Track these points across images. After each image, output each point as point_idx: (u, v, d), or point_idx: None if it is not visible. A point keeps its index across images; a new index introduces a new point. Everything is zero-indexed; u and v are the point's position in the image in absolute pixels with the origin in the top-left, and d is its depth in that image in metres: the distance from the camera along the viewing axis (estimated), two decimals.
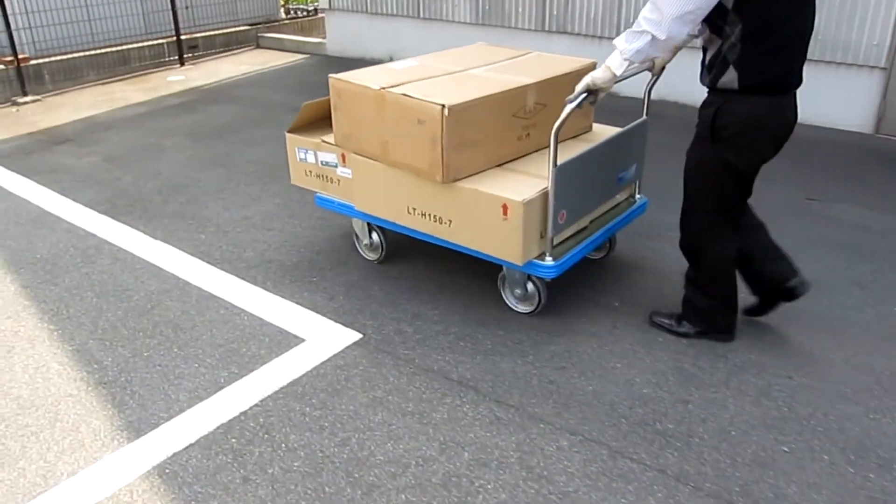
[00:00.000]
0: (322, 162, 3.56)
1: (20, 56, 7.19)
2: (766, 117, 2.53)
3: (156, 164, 5.41)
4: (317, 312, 3.39)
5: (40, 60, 7.52)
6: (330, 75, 3.30)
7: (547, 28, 6.97)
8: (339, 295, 3.54)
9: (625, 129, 3.32)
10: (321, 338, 3.19)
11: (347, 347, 3.11)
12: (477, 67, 3.42)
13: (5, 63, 7.22)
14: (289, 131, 3.68)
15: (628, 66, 2.58)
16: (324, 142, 3.51)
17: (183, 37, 8.55)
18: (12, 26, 7.06)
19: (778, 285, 2.95)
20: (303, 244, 4.09)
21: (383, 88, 3.05)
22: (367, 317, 3.34)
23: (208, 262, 3.93)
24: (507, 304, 3.33)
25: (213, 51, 8.99)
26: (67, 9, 7.79)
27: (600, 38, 6.67)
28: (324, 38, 8.97)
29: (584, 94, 2.67)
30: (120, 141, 5.95)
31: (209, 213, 4.53)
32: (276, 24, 9.88)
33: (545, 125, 3.02)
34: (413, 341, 3.14)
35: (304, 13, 10.34)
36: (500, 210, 2.87)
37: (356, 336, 3.19)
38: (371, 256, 3.78)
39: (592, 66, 3.25)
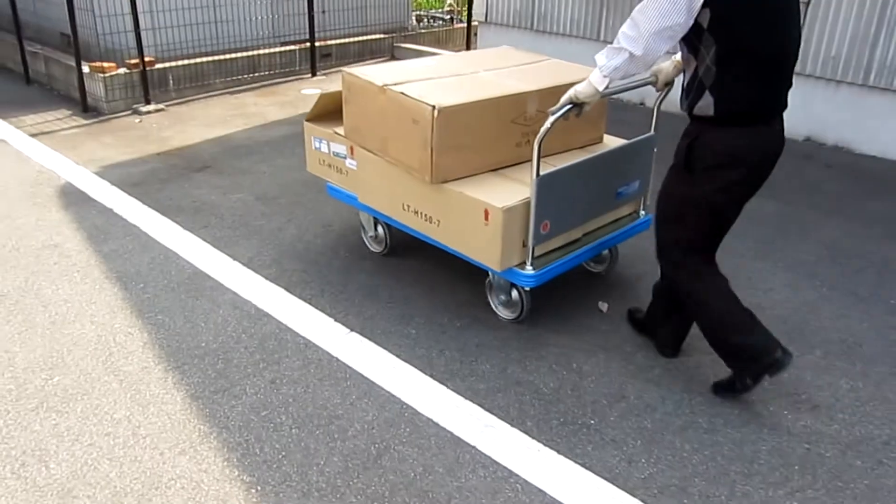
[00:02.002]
0: (334, 152, 3.64)
1: (146, 59, 6.29)
2: (743, 150, 2.43)
3: (322, 208, 4.42)
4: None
5: (166, 64, 6.62)
6: (342, 69, 3.37)
7: None
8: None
9: (626, 143, 3.28)
10: None
11: None
12: (488, 71, 3.38)
13: (130, 66, 6.35)
14: (307, 120, 3.75)
15: (609, 82, 2.52)
16: (336, 133, 3.56)
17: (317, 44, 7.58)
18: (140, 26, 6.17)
19: (754, 356, 2.64)
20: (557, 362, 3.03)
21: (385, 85, 3.07)
22: None
23: (435, 379, 2.89)
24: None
25: (347, 60, 8.02)
26: (191, 9, 6.90)
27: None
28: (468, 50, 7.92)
29: (569, 107, 2.63)
30: (271, 172, 4.98)
31: (419, 296, 3.49)
32: (412, 33, 8.87)
33: (549, 134, 2.86)
34: None
35: (441, 22, 9.31)
36: (482, 215, 2.89)
37: None
38: (376, 248, 3.84)
39: None
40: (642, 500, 2.32)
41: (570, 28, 6.89)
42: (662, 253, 2.76)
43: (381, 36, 8.49)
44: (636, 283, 3.62)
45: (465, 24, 9.09)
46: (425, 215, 3.18)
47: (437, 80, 3.21)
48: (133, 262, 3.75)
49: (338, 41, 8.05)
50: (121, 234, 4.04)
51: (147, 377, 2.86)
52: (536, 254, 3.03)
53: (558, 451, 2.51)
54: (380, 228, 3.73)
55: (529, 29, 7.19)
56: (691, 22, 2.29)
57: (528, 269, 3.00)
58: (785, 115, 2.55)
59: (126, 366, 2.93)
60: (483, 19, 7.56)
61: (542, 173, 2.82)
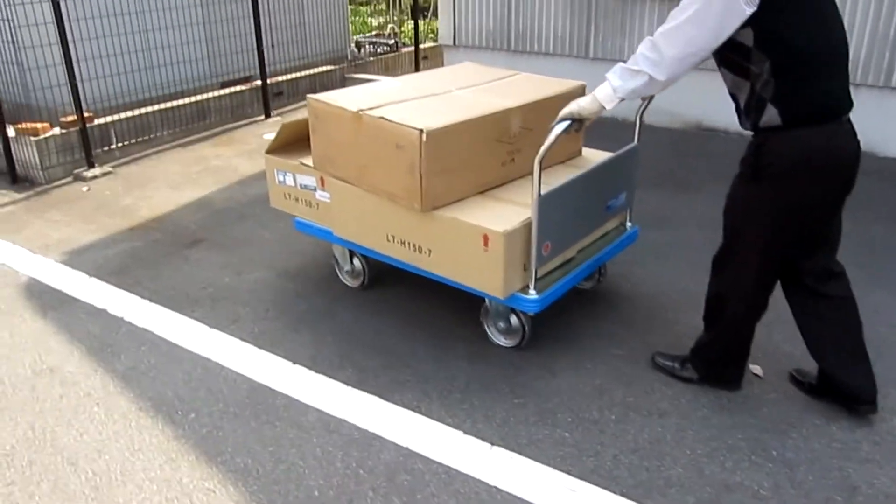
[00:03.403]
0: (301, 185, 3.42)
1: (85, 114, 5.34)
2: (814, 151, 2.27)
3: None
4: None
5: (106, 119, 5.67)
6: (308, 95, 3.15)
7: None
8: None
9: (614, 155, 3.17)
10: None
11: None
12: (461, 89, 3.25)
13: (66, 125, 5.38)
14: (267, 152, 3.52)
15: (619, 102, 2.42)
16: (303, 164, 3.35)
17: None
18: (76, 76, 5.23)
19: (848, 398, 2.58)
20: None
21: (361, 111, 2.91)
22: None
23: (622, 495, 2.29)
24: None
25: (299, 98, 7.26)
26: (124, 55, 5.99)
27: None
28: None
29: (569, 122, 2.52)
30: (278, 240, 4.22)
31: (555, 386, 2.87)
32: (361, 62, 8.19)
33: (531, 150, 2.79)
34: None
35: (385, 47, 8.67)
36: (481, 240, 2.73)
37: None
38: (352, 283, 3.58)
39: (581, 89, 3.20)
40: None
41: (553, 46, 6.45)
42: (725, 267, 2.60)
43: (331, 67, 7.76)
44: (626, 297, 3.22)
45: (413, 48, 8.52)
46: (414, 245, 2.97)
47: (413, 101, 3.05)
48: (164, 381, 2.95)
49: (287, 77, 7.26)
50: (131, 345, 3.21)
51: None
52: (537, 276, 2.85)
53: None
54: (356, 261, 3.50)
55: (506, 49, 6.70)
56: (717, 45, 2.21)
57: (532, 294, 2.83)
58: None
59: None
60: (451, 42, 6.99)
61: (543, 192, 2.67)
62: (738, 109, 2.44)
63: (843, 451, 2.52)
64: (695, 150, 5.60)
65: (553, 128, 2.55)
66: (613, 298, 3.51)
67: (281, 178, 3.52)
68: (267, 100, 6.77)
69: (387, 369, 2.99)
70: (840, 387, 2.60)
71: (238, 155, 5.80)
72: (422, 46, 8.62)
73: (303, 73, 7.43)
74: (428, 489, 2.37)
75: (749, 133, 2.43)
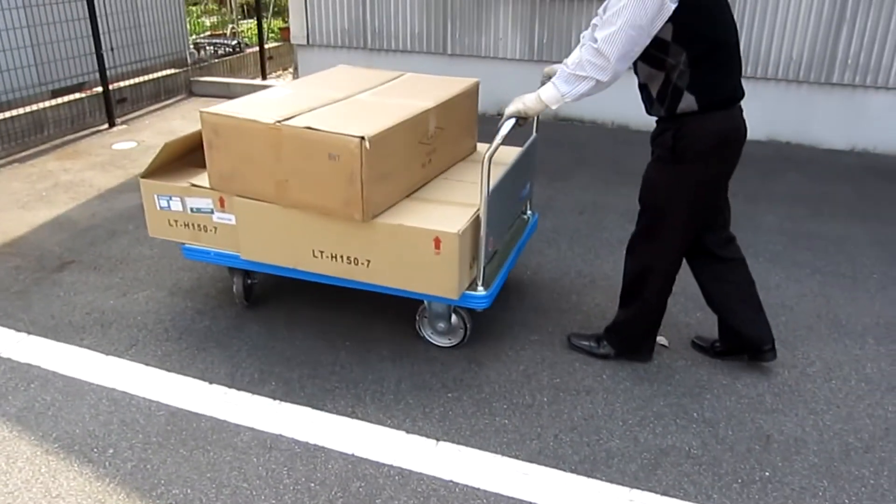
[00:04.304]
0: (192, 209, 3.11)
1: None
2: (726, 131, 2.58)
3: (273, 288, 3.58)
4: None
5: None
6: (201, 110, 2.91)
7: None
8: None
9: (525, 147, 3.25)
10: None
11: None
12: (362, 92, 3.19)
13: None
14: (143, 176, 3.18)
15: (563, 103, 2.59)
16: (194, 186, 3.06)
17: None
18: None
19: (753, 347, 2.90)
20: None
21: (279, 122, 2.74)
22: None
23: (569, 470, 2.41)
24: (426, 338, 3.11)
25: (143, 104, 6.82)
26: None
27: None
28: (287, 79, 7.20)
29: (514, 120, 2.66)
30: (161, 256, 3.97)
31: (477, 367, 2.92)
32: (206, 65, 7.82)
33: (443, 150, 3.06)
34: None
35: (228, 49, 8.33)
36: (432, 244, 2.70)
37: None
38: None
39: (477, 86, 3.35)
40: None
41: (410, 43, 6.50)
42: (648, 243, 2.78)
43: (174, 71, 7.35)
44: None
45: (258, 49, 8.26)
46: (348, 258, 2.86)
47: (324, 108, 2.93)
48: (69, 418, 2.70)
49: (128, 83, 6.79)
50: (18, 383, 2.91)
51: None
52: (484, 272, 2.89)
53: None
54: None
55: (363, 48, 6.67)
56: (648, 39, 2.39)
57: (480, 290, 2.86)
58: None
59: None
60: (304, 42, 6.85)
61: (490, 189, 2.72)
62: (648, 99, 2.62)
63: (752, 404, 2.78)
64: (556, 139, 5.87)
65: (501, 126, 2.65)
66: (519, 287, 3.62)
67: (164, 203, 3.17)
68: (110, 107, 6.31)
69: (312, 378, 2.92)
70: (746, 337, 2.88)
71: (89, 168, 5.36)
72: (266, 46, 8.39)
73: (146, 78, 6.99)
74: (385, 493, 2.35)
75: (653, 120, 2.65)
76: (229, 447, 2.55)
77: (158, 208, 3.19)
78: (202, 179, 3.07)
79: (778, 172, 5.31)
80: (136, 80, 6.88)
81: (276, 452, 2.52)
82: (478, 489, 2.36)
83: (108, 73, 6.25)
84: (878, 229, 4.33)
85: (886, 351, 3.12)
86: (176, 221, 3.18)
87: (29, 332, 3.24)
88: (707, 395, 2.83)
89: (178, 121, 6.61)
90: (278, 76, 8.65)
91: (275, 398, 2.81)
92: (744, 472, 2.45)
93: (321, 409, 2.74)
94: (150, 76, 7.06)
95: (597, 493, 2.36)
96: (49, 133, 5.94)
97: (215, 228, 3.11)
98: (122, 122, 6.50)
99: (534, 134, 3.40)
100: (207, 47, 8.34)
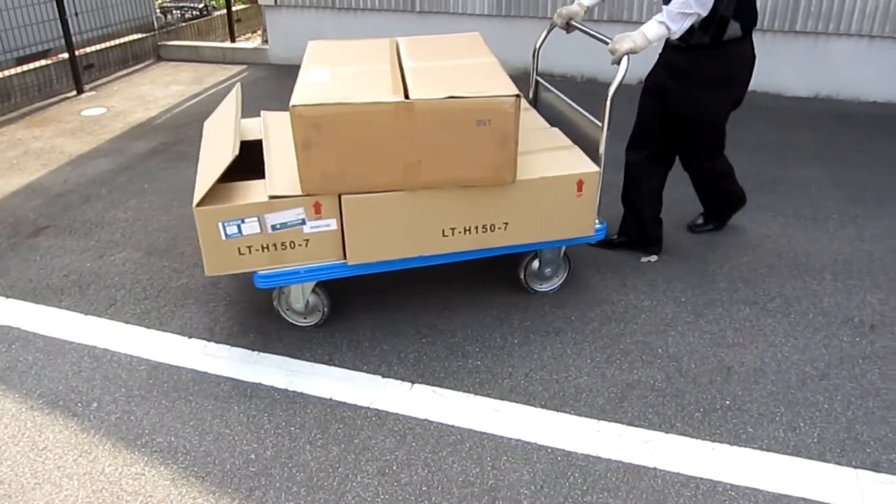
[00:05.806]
0: (275, 225, 2.66)
1: None
2: (754, 56, 3.08)
3: None
4: None
5: None
6: (293, 105, 2.43)
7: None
8: None
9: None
10: None
11: None
12: (415, 61, 2.87)
13: None
14: (197, 206, 2.59)
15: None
16: (275, 198, 2.61)
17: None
18: None
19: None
20: None
21: (408, 99, 2.48)
22: None
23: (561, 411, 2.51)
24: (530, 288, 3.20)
25: (111, 69, 6.75)
26: None
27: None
28: (256, 41, 7.13)
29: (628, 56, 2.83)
30: (136, 219, 3.99)
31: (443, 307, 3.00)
32: (173, 28, 7.72)
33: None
34: None
35: (195, 12, 8.22)
36: (575, 188, 2.80)
37: None
38: (309, 321, 3.00)
39: (483, 40, 3.25)
40: None
41: (378, 2, 6.47)
42: (711, 153, 3.33)
43: (141, 35, 7.26)
44: None
45: (226, 12, 8.17)
46: (483, 227, 2.80)
47: (428, 72, 2.72)
48: (51, 376, 2.76)
49: (95, 48, 6.71)
50: (1, 345, 2.95)
51: None
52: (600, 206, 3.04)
53: None
54: (313, 296, 2.94)
55: (331, 7, 6.62)
56: None
57: (598, 224, 3.03)
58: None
59: None
60: (272, 2, 6.79)
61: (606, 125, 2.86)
62: (689, 30, 2.86)
63: (714, 339, 2.90)
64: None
65: (619, 63, 2.84)
66: None
67: (232, 230, 2.66)
68: (77, 74, 6.24)
69: (290, 329, 2.99)
70: (723, 217, 3.66)
71: (59, 135, 5.33)
72: (234, 8, 8.29)
73: (113, 43, 6.91)
74: (363, 433, 2.44)
75: (679, 48, 3.03)
76: (211, 397, 2.62)
77: (224, 238, 2.66)
78: (281, 189, 2.66)
79: (743, 120, 5.38)
80: (103, 45, 6.79)
81: (256, 400, 2.60)
82: (451, 426, 2.46)
83: (73, 38, 6.16)
84: (840, 172, 4.45)
85: (843, 286, 3.24)
86: (249, 248, 2.69)
87: (7, 297, 3.28)
88: (672, 333, 2.94)
89: (147, 86, 6.56)
90: (247, 38, 8.56)
91: (253, 349, 2.88)
92: (706, 401, 2.57)
93: (299, 358, 2.82)
94: (117, 41, 6.97)
95: (566, 425, 2.47)
96: (16, 101, 5.88)
97: (306, 241, 2.73)
98: (91, 89, 6.44)
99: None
100: (174, 11, 8.23)
